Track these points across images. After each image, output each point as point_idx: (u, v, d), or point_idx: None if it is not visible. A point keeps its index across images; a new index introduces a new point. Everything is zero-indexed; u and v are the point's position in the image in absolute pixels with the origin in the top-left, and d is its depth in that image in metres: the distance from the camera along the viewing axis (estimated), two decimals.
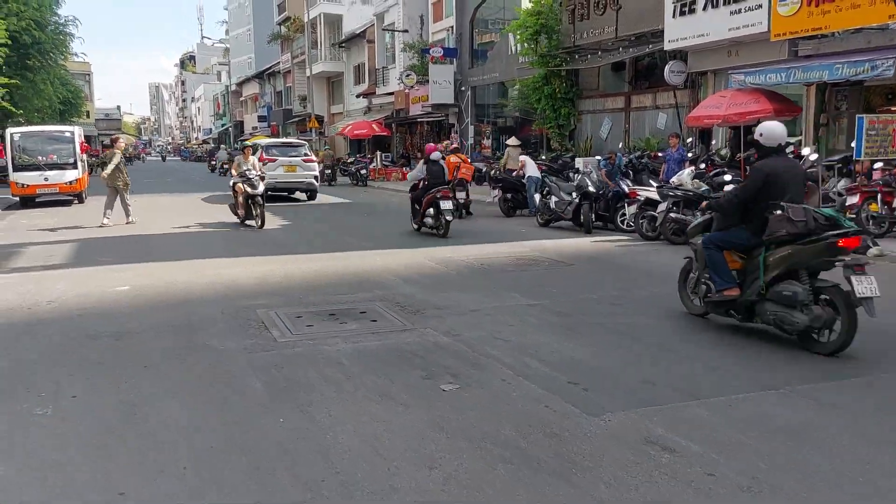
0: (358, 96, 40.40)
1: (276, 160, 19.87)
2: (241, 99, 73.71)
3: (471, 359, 4.96)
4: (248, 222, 13.62)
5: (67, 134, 19.15)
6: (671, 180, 11.29)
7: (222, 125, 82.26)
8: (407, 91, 31.43)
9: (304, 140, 48.51)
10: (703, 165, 11.59)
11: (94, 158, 33.27)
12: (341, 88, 46.12)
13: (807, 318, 4.97)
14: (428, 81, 29.55)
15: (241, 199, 13.58)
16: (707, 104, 13.69)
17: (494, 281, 7.85)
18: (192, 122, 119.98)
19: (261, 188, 13.45)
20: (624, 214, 12.07)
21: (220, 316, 6.35)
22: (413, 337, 5.60)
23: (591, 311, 6.37)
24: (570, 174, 15.61)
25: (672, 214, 10.25)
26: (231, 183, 14.13)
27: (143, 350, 5.31)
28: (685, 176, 10.98)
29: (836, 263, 5.05)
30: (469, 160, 17.83)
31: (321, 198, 21.87)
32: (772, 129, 5.57)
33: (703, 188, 10.83)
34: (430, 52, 28.94)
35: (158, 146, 50.84)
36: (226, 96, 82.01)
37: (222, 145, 49.25)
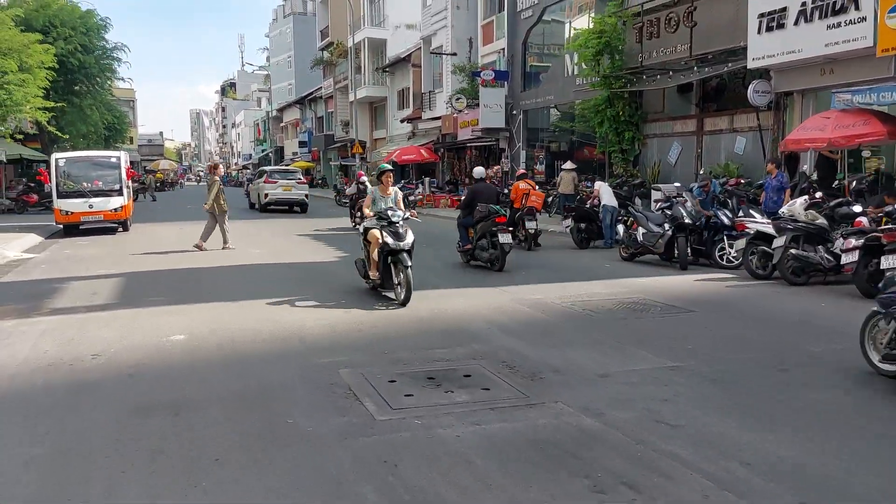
0: (402, 121, 39.69)
1: (276, 182, 27.65)
2: (282, 125, 73.98)
3: (643, 458, 3.74)
4: (385, 292, 8.87)
5: (113, 159, 18.50)
6: (781, 211, 9.99)
7: (262, 151, 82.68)
8: (455, 115, 30.52)
9: (349, 164, 48.54)
10: (818, 195, 10.24)
11: (137, 184, 32.93)
12: (384, 113, 45.56)
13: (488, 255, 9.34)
14: (477, 105, 28.64)
15: (376, 254, 8.66)
16: (809, 126, 12.36)
17: (608, 332, 6.63)
18: (231, 148, 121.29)
19: (409, 238, 8.62)
20: (723, 248, 10.77)
21: (297, 380, 5.24)
22: (545, 416, 4.41)
23: (758, 381, 5.11)
24: (638, 202, 14.45)
25: (793, 251, 8.93)
26: (362, 228, 9.47)
27: (212, 433, 4.21)
28: (798, 206, 9.67)
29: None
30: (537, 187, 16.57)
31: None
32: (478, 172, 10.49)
33: (819, 220, 9.53)
34: (481, 74, 28.01)
35: (199, 171, 50.90)
36: (266, 122, 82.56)
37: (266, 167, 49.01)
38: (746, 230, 9.69)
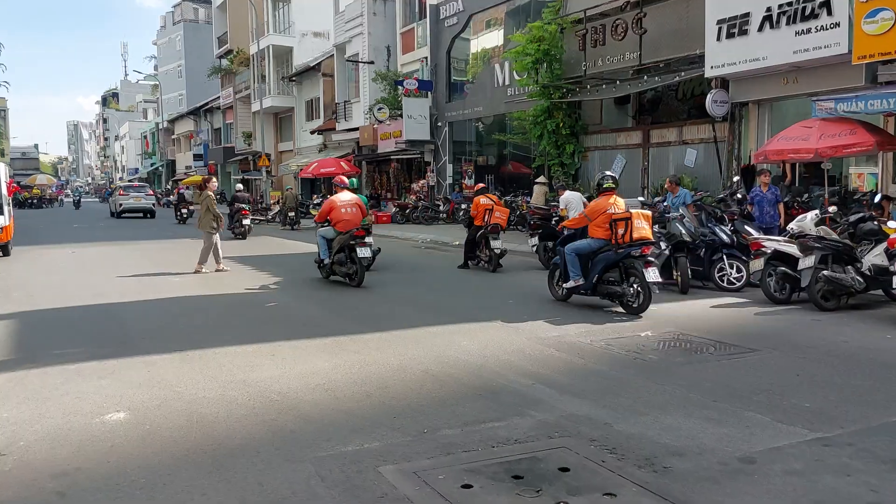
0: (313, 133, 37.61)
1: (129, 195, 35.71)
2: (173, 137, 69.61)
3: None
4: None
5: None
6: (790, 227, 9.08)
7: (152, 164, 77.62)
8: (376, 126, 28.91)
9: (254, 177, 45.66)
10: (831, 209, 9.42)
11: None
12: (291, 124, 43.26)
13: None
14: (400, 116, 27.18)
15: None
16: (790, 136, 11.68)
17: (683, 384, 5.28)
18: (115, 162, 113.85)
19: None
20: (723, 269, 9.77)
21: (321, 489, 3.55)
22: None
23: None
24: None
25: (825, 272, 7.97)
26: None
27: None
28: (808, 222, 8.79)
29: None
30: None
31: (293, 246, 18.93)
32: None
33: (833, 236, 8.68)
34: (404, 84, 26.61)
35: (77, 186, 45.98)
36: (155, 134, 77.57)
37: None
38: (762, 249, 8.69)
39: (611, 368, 5.70)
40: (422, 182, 27.75)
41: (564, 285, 8.82)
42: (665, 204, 12.03)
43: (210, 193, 13.43)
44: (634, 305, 8.07)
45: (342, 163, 29.11)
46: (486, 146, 26.86)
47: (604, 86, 18.09)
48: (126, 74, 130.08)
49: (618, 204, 8.54)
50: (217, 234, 13.07)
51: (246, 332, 7.37)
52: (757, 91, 14.50)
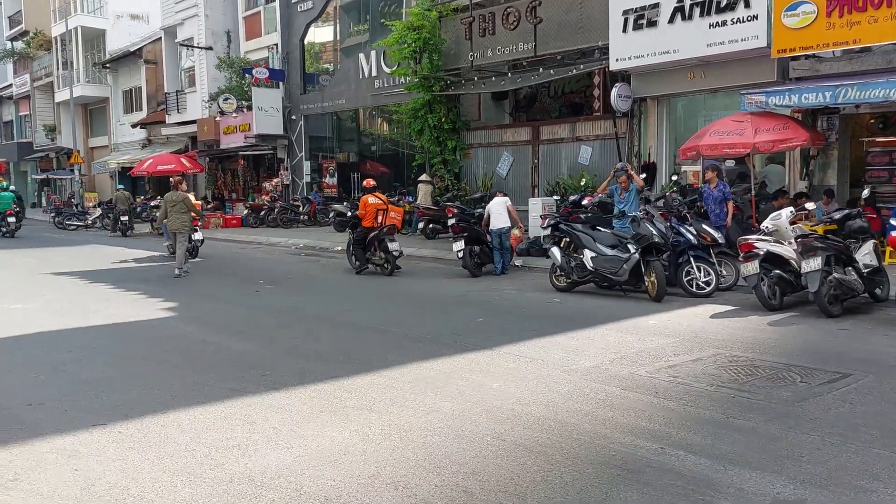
0: (135, 126, 33.36)
1: None
2: None
3: None
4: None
5: None
6: (763, 225, 8.49)
7: None
8: (218, 119, 25.95)
9: (61, 176, 39.82)
10: (808, 206, 8.96)
11: None
12: (104, 117, 38.27)
13: None
14: (248, 108, 24.54)
15: None
16: (721, 129, 11.28)
17: (835, 431, 4.15)
18: None
19: None
20: (690, 272, 9.01)
21: None
22: None
23: None
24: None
25: (835, 275, 7.36)
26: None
27: None
28: (783, 220, 8.24)
29: None
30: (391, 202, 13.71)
31: (139, 255, 16.03)
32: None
33: (815, 234, 8.21)
34: (253, 72, 24.00)
35: None
36: None
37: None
38: (754, 251, 7.96)
39: (728, 415, 4.44)
40: (275, 181, 25.29)
41: None
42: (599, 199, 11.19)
43: (187, 193, 13.53)
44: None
45: (183, 159, 25.81)
46: (346, 142, 25.03)
47: (493, 78, 17.10)
48: None
49: None
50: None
51: (185, 387, 5.29)
52: (659, 86, 14.19)
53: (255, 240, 19.57)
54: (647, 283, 8.75)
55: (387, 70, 20.86)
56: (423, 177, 18.60)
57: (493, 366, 5.73)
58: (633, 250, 8.76)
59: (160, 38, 30.69)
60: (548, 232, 12.57)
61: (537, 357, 5.96)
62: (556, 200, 13.92)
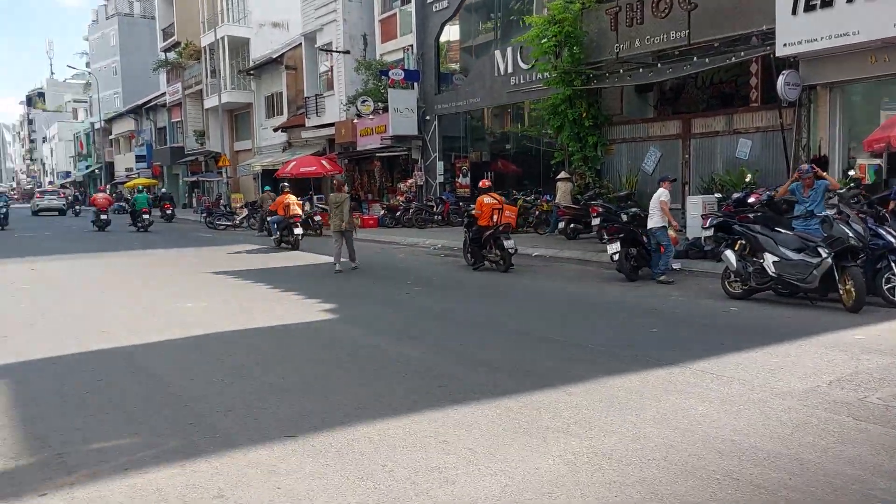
0: (276, 130, 34.82)
1: (43, 197, 46.68)
2: (111, 137, 65.14)
3: None
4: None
5: None
6: None
7: (87, 167, 72.66)
8: (355, 121, 26.53)
9: (210, 178, 42.41)
10: None
11: None
12: (248, 122, 40.29)
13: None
14: (385, 110, 24.90)
15: None
16: None
17: None
18: (43, 165, 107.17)
19: None
20: (891, 280, 8.01)
21: None
22: None
23: None
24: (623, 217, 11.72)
25: None
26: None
27: None
28: None
29: None
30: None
31: (286, 256, 16.52)
32: None
33: None
34: (390, 73, 24.31)
35: (1, 192, 41.96)
36: (91, 135, 72.68)
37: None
38: None
39: None
40: (410, 181, 25.53)
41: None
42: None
43: (347, 195, 13.92)
44: None
45: (324, 161, 26.61)
46: (479, 141, 24.87)
47: (640, 70, 16.29)
48: (52, 73, 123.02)
49: None
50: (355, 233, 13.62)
51: (366, 396, 5.15)
52: (833, 72, 12.90)
53: (393, 240, 19.74)
54: (841, 292, 7.83)
55: (524, 66, 20.48)
56: (562, 174, 18.07)
57: (689, 386, 5.20)
58: (824, 254, 7.87)
59: (300, 43, 31.81)
60: (710, 233, 11.75)
61: (736, 376, 5.36)
62: (718, 198, 12.97)
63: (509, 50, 21.06)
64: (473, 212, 13.02)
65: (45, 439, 4.37)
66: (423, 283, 11.56)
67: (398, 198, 25.34)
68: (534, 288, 10.69)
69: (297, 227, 17.69)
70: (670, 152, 16.69)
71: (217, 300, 9.88)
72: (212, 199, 39.53)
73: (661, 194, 10.74)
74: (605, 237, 11.43)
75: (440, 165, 24.69)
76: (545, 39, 17.40)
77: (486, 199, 12.72)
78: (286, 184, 19.68)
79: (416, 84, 24.97)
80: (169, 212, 34.51)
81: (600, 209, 14.74)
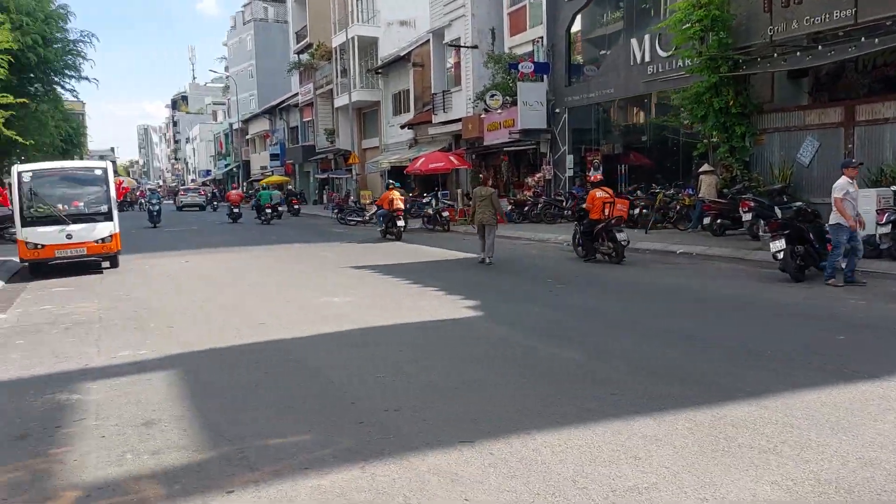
0: (403, 127, 35.31)
1: (186, 194, 52.28)
2: (248, 137, 68.76)
3: None
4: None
5: (98, 171, 13.67)
6: None
7: (226, 166, 77.11)
8: (483, 116, 26.38)
9: (339, 176, 43.89)
10: None
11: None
12: (375, 120, 41.17)
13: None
14: (512, 104, 24.57)
15: None
16: None
17: None
18: (186, 164, 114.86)
19: None
20: None
21: None
22: None
23: None
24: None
25: None
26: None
27: None
28: None
29: None
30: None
31: (422, 251, 16.56)
32: None
33: None
34: (519, 67, 23.94)
35: (156, 190, 45.54)
36: (229, 135, 77.07)
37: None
38: None
39: None
40: (538, 176, 25.08)
41: None
42: None
43: (491, 189, 14.09)
44: None
45: (452, 157, 26.67)
46: (610, 133, 24.02)
47: (797, 53, 15.04)
48: (194, 77, 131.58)
49: None
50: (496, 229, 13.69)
51: (534, 401, 4.86)
52: None
53: (523, 235, 19.40)
54: None
55: (662, 54, 19.54)
56: (705, 167, 17.06)
57: None
58: None
59: (427, 40, 32.04)
60: (887, 230, 10.62)
61: None
62: (895, 191, 11.73)
63: (646, 37, 20.16)
64: (585, 206, 13.47)
65: (222, 432, 4.38)
66: (561, 279, 11.17)
67: (525, 193, 24.95)
68: (683, 287, 10.05)
69: (399, 219, 19.49)
70: (830, 142, 15.33)
71: (360, 295, 9.93)
72: (341, 195, 40.73)
73: (838, 187, 9.65)
74: (767, 234, 10.54)
75: (570, 159, 24.07)
76: (689, 24, 16.48)
77: (598, 192, 13.13)
78: (392, 181, 22.42)
79: (545, 77, 24.46)
80: (296, 206, 37.26)
81: (752, 204, 13.77)
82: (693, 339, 6.71)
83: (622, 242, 12.55)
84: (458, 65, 29.38)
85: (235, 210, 31.20)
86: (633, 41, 20.82)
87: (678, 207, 17.64)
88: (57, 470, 3.88)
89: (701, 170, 17.05)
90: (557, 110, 24.27)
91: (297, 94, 51.85)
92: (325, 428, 4.41)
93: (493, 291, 10.09)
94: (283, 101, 56.37)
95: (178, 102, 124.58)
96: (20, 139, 15.29)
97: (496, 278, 11.66)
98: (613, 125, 23.89)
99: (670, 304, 8.85)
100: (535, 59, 24.62)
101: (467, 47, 27.82)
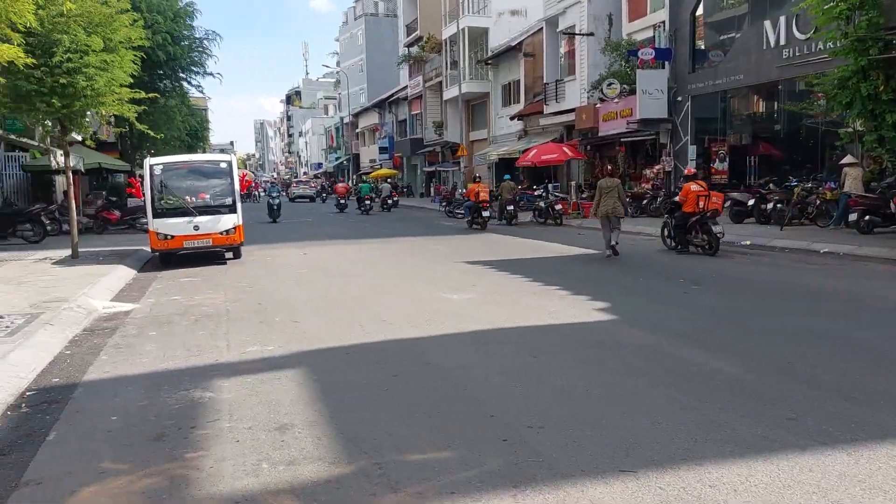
0: (513, 118, 34.78)
1: (298, 186, 55.23)
2: (357, 131, 70.17)
3: None
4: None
5: (223, 165, 14.04)
6: None
7: (336, 159, 79.12)
8: (598, 106, 25.47)
9: (447, 168, 44.06)
10: None
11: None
12: (484, 111, 40.85)
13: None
14: (630, 92, 23.55)
15: None
16: None
17: None
18: (298, 157, 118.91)
19: None
20: None
21: None
22: None
23: None
24: None
25: None
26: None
27: None
28: None
29: None
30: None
31: (539, 247, 16.05)
32: None
33: None
34: (639, 53, 22.90)
35: (273, 182, 47.54)
36: (340, 129, 79.00)
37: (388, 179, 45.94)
38: None
39: None
40: (656, 167, 23.95)
41: None
42: None
43: (618, 181, 14.30)
44: None
45: (565, 148, 25.95)
46: (738, 123, 22.58)
47: None
48: (307, 73, 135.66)
49: None
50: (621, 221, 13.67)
51: (690, 421, 4.34)
52: None
53: (643, 230, 18.51)
54: None
55: (800, 36, 18.12)
56: (848, 159, 15.64)
57: None
58: None
59: (540, 28, 31.33)
60: None
61: None
62: None
63: (782, 19, 18.75)
64: (678, 199, 13.76)
65: (358, 442, 4.12)
66: (695, 279, 10.38)
67: (643, 185, 23.91)
68: (840, 289, 9.07)
69: (485, 210, 21.27)
70: None
71: (480, 291, 9.59)
72: (448, 188, 40.71)
73: None
74: None
75: (692, 150, 22.83)
76: (833, 3, 15.05)
77: (693, 186, 13.36)
78: (479, 175, 24.51)
79: (666, 63, 23.31)
80: (395, 199, 38.48)
81: None
82: (864, 350, 5.92)
83: (717, 235, 12.77)
84: (571, 53, 28.55)
85: (342, 201, 34.92)
86: (766, 23, 19.42)
87: (818, 202, 16.26)
88: (194, 477, 3.72)
89: (843, 161, 15.64)
90: (679, 98, 23.08)
91: (405, 88, 52.34)
92: (466, 444, 4.06)
93: (621, 290, 9.50)
94: (392, 95, 57.07)
95: (292, 97, 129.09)
96: (151, 133, 15.87)
97: (622, 276, 11.03)
98: (741, 114, 22.45)
99: (825, 308, 7.98)
100: (656, 45, 23.51)
101: (582, 35, 26.95)
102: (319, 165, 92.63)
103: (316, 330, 7.37)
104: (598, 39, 26.53)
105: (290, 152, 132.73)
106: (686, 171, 14.32)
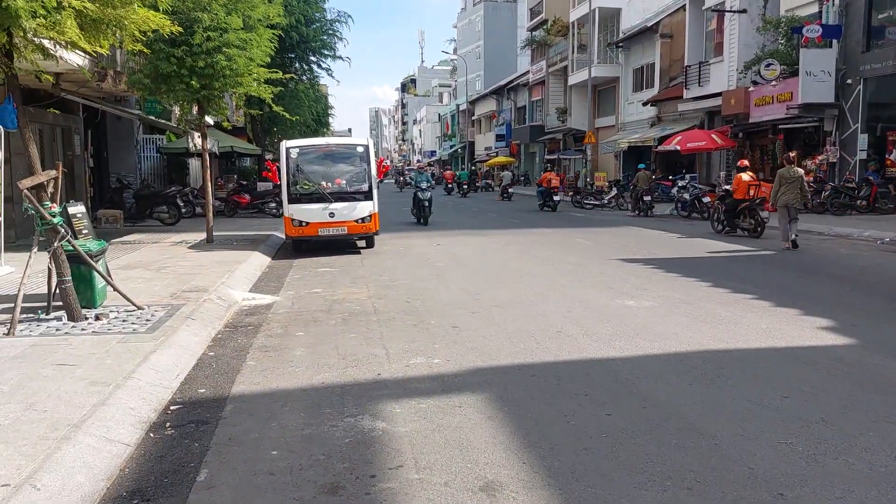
0: (646, 104, 32.63)
1: (410, 174, 46.06)
2: (473, 118, 69.26)
3: None
4: None
5: (360, 148, 13.33)
6: None
7: (451, 146, 78.61)
8: (750, 89, 23.14)
9: (569, 157, 42.46)
10: None
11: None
12: (612, 97, 38.78)
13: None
14: (790, 74, 21.13)
15: None
16: None
17: None
18: (412, 145, 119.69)
19: None
20: None
21: None
22: None
23: None
24: None
25: None
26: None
27: None
28: None
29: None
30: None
31: (688, 245, 14.39)
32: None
33: None
34: (804, 31, 20.46)
35: (413, 168, 47.73)
36: (455, 116, 78.41)
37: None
38: None
39: None
40: (819, 158, 21.45)
41: None
42: None
43: (801, 171, 13.74)
44: None
45: (714, 135, 23.83)
46: None
47: None
48: (423, 61, 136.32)
49: None
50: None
51: None
52: None
53: (813, 229, 16.36)
54: None
55: None
56: None
57: None
58: None
59: (682, 6, 29.04)
60: None
61: None
62: None
63: None
64: (730, 187, 15.58)
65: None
66: (889, 296, 8.59)
67: (806, 178, 21.45)
68: None
69: (556, 194, 24.35)
70: None
71: (657, 299, 8.24)
72: (571, 176, 39.05)
73: None
74: None
75: (863, 139, 20.22)
76: None
77: (745, 176, 14.96)
78: (549, 164, 27.65)
79: (835, 42, 20.73)
80: (477, 185, 46.74)
81: None
82: None
83: (763, 219, 14.57)
84: (719, 32, 26.18)
85: (449, 185, 42.17)
86: None
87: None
88: None
89: None
90: (849, 81, 20.48)
91: (526, 73, 50.77)
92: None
93: (828, 301, 7.90)
94: (511, 81, 55.64)
95: (407, 85, 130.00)
96: (287, 115, 15.42)
97: (815, 283, 9.37)
98: None
99: None
100: (823, 22, 20.96)
101: (734, 12, 24.60)
102: (433, 153, 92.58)
103: (481, 340, 6.31)
104: (752, 16, 24.11)
105: (403, 140, 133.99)
106: (739, 163, 15.80)
